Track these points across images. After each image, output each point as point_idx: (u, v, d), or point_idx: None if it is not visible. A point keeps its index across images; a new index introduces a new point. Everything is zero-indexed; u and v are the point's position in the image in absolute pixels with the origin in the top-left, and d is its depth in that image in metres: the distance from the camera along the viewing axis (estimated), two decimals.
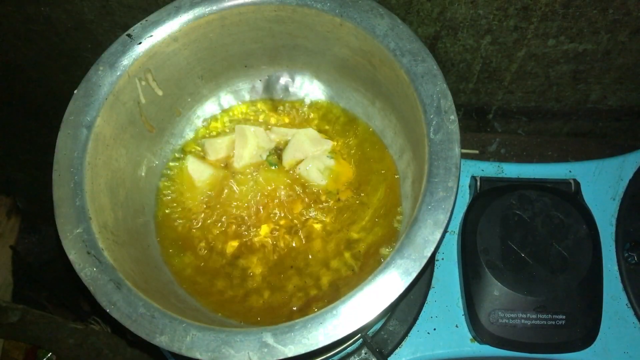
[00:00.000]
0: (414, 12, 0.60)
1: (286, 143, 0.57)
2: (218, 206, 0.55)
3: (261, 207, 0.55)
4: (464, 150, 0.75)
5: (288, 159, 0.56)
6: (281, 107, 0.59)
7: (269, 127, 0.59)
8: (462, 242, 0.58)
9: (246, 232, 0.54)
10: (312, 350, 0.37)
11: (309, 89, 0.59)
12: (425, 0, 0.58)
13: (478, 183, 0.61)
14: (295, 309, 0.50)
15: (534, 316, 0.53)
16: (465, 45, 0.65)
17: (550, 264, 0.55)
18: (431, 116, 0.43)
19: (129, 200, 0.50)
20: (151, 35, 0.49)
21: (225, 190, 0.56)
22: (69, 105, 0.47)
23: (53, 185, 0.44)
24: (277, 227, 0.54)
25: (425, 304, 0.59)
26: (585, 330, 0.54)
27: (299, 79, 0.59)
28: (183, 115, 0.58)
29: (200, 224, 0.54)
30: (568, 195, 0.59)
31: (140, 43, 0.49)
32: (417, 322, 0.58)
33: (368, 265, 0.50)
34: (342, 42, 0.50)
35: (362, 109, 0.57)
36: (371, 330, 0.58)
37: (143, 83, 0.51)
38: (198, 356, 0.38)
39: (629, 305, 0.58)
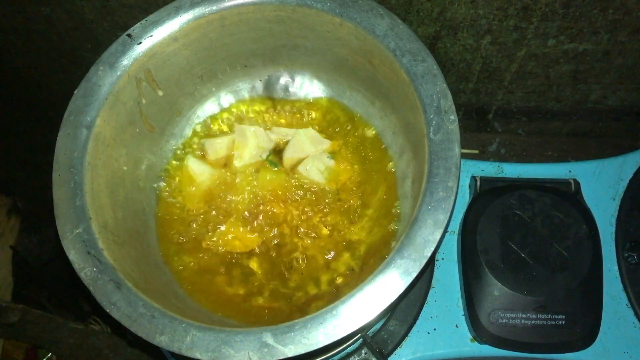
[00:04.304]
0: (414, 12, 0.60)
1: (286, 143, 0.57)
2: (218, 206, 0.55)
3: (261, 207, 0.55)
4: (464, 150, 0.75)
5: (288, 158, 0.56)
6: (281, 107, 0.59)
7: (269, 127, 0.59)
8: (462, 242, 0.58)
9: (246, 232, 0.54)
10: (312, 350, 0.37)
11: (309, 88, 0.59)
12: (425, 0, 0.59)
13: (478, 183, 0.61)
14: (295, 309, 0.50)
15: (534, 316, 0.53)
16: (465, 45, 0.65)
17: (550, 264, 0.55)
18: (431, 116, 0.43)
19: (129, 200, 0.50)
20: (151, 35, 0.49)
21: (225, 190, 0.56)
22: (69, 105, 0.47)
23: (53, 185, 0.44)
24: (277, 227, 0.54)
25: (425, 304, 0.59)
26: (585, 330, 0.54)
27: (299, 79, 0.59)
28: (183, 115, 0.58)
29: (200, 223, 0.54)
30: (568, 195, 0.59)
31: (140, 43, 0.49)
32: (417, 322, 0.58)
33: (368, 265, 0.50)
34: (342, 42, 0.50)
35: (362, 109, 0.57)
36: (371, 330, 0.58)
37: (143, 83, 0.51)
38: (198, 356, 0.38)
39: (629, 305, 0.58)
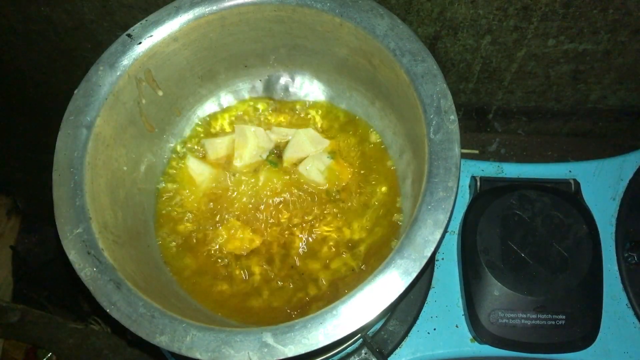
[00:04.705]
0: (414, 12, 0.60)
1: (286, 143, 0.57)
2: (218, 206, 0.55)
3: (261, 207, 0.55)
4: (464, 150, 0.75)
5: (288, 158, 0.56)
6: (281, 107, 0.59)
7: (269, 127, 0.59)
8: (462, 242, 0.58)
9: (246, 232, 0.54)
10: (312, 350, 0.37)
11: (309, 89, 0.59)
12: (425, 0, 0.59)
13: (478, 183, 0.61)
14: (295, 309, 0.50)
15: (534, 316, 0.53)
16: (465, 45, 0.65)
17: (550, 264, 0.55)
18: (431, 116, 0.43)
19: (129, 200, 0.50)
20: (151, 35, 0.49)
21: (225, 190, 0.56)
22: (69, 105, 0.47)
23: (53, 185, 0.44)
24: (277, 227, 0.54)
25: (425, 304, 0.59)
26: (585, 330, 0.54)
27: (299, 79, 0.59)
28: (183, 115, 0.58)
29: (200, 223, 0.54)
30: (568, 195, 0.59)
31: (140, 43, 0.49)
32: (417, 322, 0.58)
33: (368, 265, 0.50)
34: (342, 42, 0.50)
35: (362, 109, 0.57)
36: (371, 330, 0.58)
37: (143, 83, 0.51)
38: (198, 356, 0.38)
39: (629, 305, 0.58)
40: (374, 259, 0.50)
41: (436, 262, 0.61)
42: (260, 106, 0.60)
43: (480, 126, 0.81)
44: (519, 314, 0.54)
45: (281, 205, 0.55)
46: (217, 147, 0.57)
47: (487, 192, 0.60)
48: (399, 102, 0.49)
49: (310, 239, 0.53)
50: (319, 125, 0.58)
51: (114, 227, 0.46)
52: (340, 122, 0.58)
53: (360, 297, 0.38)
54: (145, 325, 0.39)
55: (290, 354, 0.37)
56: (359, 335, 0.55)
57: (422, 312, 0.58)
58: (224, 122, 0.60)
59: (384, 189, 0.54)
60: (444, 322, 0.58)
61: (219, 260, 0.53)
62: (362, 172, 0.55)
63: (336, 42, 0.51)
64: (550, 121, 0.79)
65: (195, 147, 0.58)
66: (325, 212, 0.54)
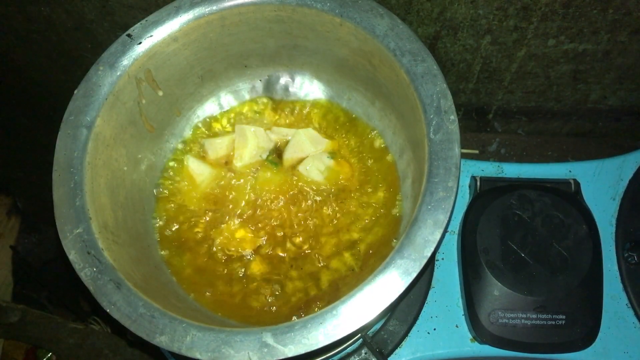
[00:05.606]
0: (414, 12, 0.60)
1: (286, 143, 0.57)
2: (218, 206, 0.55)
3: (261, 207, 0.55)
4: (464, 150, 0.75)
5: (288, 158, 0.56)
6: (281, 107, 0.60)
7: (269, 127, 0.59)
8: (462, 242, 0.58)
9: (246, 232, 0.54)
10: (312, 350, 0.37)
11: (309, 89, 0.59)
12: (425, 0, 0.59)
13: (478, 183, 0.61)
14: (295, 309, 0.50)
15: (534, 316, 0.53)
16: (465, 45, 0.65)
17: (550, 264, 0.55)
18: (431, 116, 0.43)
19: (129, 200, 0.51)
20: (151, 35, 0.49)
21: (225, 190, 0.56)
22: (69, 105, 0.47)
23: (53, 185, 0.44)
24: (277, 227, 0.54)
25: (425, 304, 0.59)
26: (585, 330, 0.54)
27: (299, 79, 0.59)
28: (183, 115, 0.58)
29: (200, 223, 0.54)
30: (568, 195, 0.59)
31: (140, 43, 0.49)
32: (417, 322, 0.58)
33: (368, 265, 0.50)
34: (342, 42, 0.50)
35: (362, 109, 0.57)
36: (371, 330, 0.58)
37: (143, 83, 0.51)
38: (198, 356, 0.38)
39: (629, 305, 0.58)
40: (374, 258, 0.50)
41: (436, 262, 0.61)
42: (260, 106, 0.60)
43: (480, 126, 0.81)
44: (519, 314, 0.54)
45: (281, 206, 0.55)
46: (217, 147, 0.57)
47: (487, 192, 0.60)
48: (399, 102, 0.49)
49: (309, 239, 0.53)
50: (319, 125, 0.58)
51: (114, 227, 0.46)
52: (340, 122, 0.58)
53: (360, 297, 0.38)
54: (145, 325, 0.39)
55: (290, 354, 0.37)
56: (359, 335, 0.55)
57: (422, 312, 0.58)
58: (224, 122, 0.60)
59: (383, 188, 0.54)
60: (444, 322, 0.58)
61: (219, 260, 0.53)
62: (362, 172, 0.55)
63: (336, 42, 0.51)
64: (550, 121, 0.79)
65: (195, 147, 0.58)
66: (325, 212, 0.54)
